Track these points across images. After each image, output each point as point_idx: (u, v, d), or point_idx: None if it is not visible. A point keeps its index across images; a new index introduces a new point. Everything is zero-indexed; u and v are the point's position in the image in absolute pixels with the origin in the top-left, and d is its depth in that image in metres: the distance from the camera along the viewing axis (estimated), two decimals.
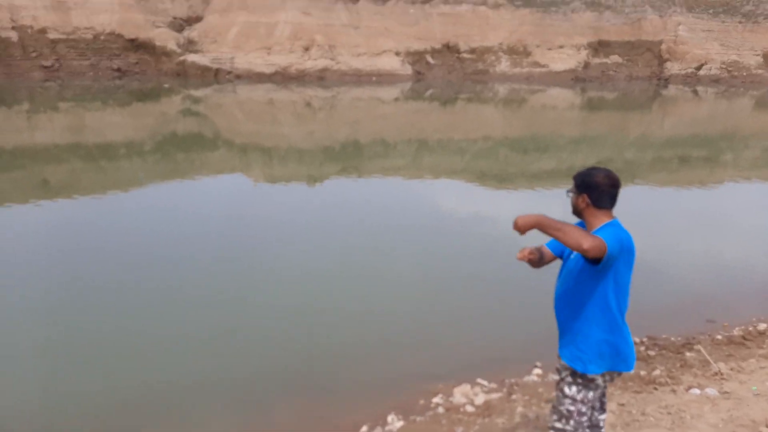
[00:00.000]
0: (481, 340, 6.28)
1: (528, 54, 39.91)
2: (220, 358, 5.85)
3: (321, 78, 34.98)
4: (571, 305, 3.09)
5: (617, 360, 3.02)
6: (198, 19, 36.91)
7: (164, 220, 10.47)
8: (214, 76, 33.76)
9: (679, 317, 6.93)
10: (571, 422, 3.07)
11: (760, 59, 42.54)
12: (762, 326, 6.67)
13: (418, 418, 4.82)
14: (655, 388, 4.99)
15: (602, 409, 3.32)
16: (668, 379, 5.16)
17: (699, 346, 5.94)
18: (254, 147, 19.31)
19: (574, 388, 3.07)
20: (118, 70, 32.91)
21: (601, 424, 3.31)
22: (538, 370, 5.59)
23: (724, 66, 41.50)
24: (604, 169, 3.03)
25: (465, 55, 39.08)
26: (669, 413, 4.36)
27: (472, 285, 7.84)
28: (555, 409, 3.16)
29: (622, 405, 4.59)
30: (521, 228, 2.90)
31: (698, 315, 7.04)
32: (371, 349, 6.05)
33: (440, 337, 6.35)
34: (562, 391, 3.13)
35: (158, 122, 23.02)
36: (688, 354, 5.89)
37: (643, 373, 5.38)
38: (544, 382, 5.36)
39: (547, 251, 3.29)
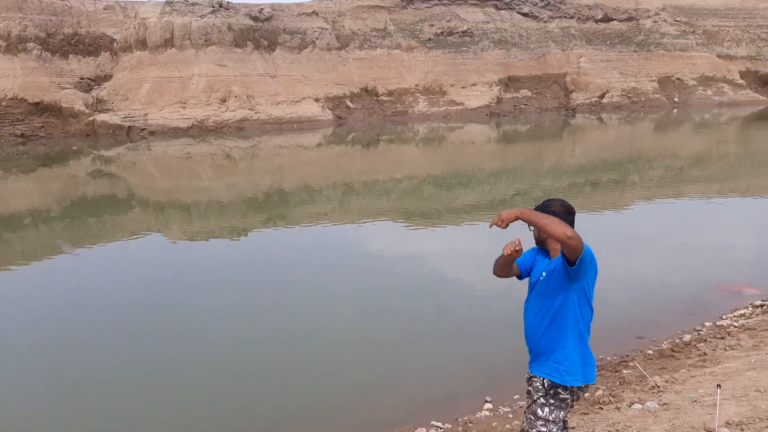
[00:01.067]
0: (429, 381, 6.31)
1: (444, 93, 41.47)
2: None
3: (240, 128, 34.77)
4: (545, 323, 3.21)
5: (590, 369, 3.19)
6: (107, 77, 36.03)
7: (72, 290, 9.87)
8: (126, 134, 32.84)
9: (611, 337, 7.24)
10: None
11: (656, 84, 46.17)
12: (687, 337, 7.09)
13: None
14: (601, 408, 5.17)
15: (565, 429, 3.42)
16: (611, 398, 5.37)
17: (634, 363, 6.23)
18: (172, 204, 18.74)
19: (546, 409, 3.19)
20: (22, 135, 31.28)
21: None
22: (488, 405, 5.67)
23: (624, 93, 44.71)
24: (558, 200, 3.30)
25: (383, 98, 40.12)
26: (617, 430, 4.52)
27: (411, 324, 7.89)
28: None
29: (573, 428, 4.71)
30: (504, 220, 3.01)
31: (628, 333, 7.40)
32: (319, 406, 5.95)
33: (388, 383, 6.34)
34: (534, 413, 3.23)
35: (66, 186, 21.90)
36: (625, 371, 6.16)
37: (587, 395, 5.57)
38: (496, 416, 5.44)
39: (515, 267, 3.44)
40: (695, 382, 5.51)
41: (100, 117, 32.88)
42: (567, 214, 3.21)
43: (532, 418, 3.23)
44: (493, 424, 5.20)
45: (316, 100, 37.97)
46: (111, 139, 32.03)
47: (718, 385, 4.44)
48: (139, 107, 33.77)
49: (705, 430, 4.29)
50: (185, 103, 34.40)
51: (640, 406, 5.01)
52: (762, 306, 8.10)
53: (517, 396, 5.87)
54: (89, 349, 7.42)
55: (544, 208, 3.24)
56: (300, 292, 9.29)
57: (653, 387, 5.46)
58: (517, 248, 3.24)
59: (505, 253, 3.26)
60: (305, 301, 8.88)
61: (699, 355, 6.35)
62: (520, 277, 3.48)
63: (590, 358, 3.22)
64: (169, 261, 11.84)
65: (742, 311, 7.96)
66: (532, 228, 3.29)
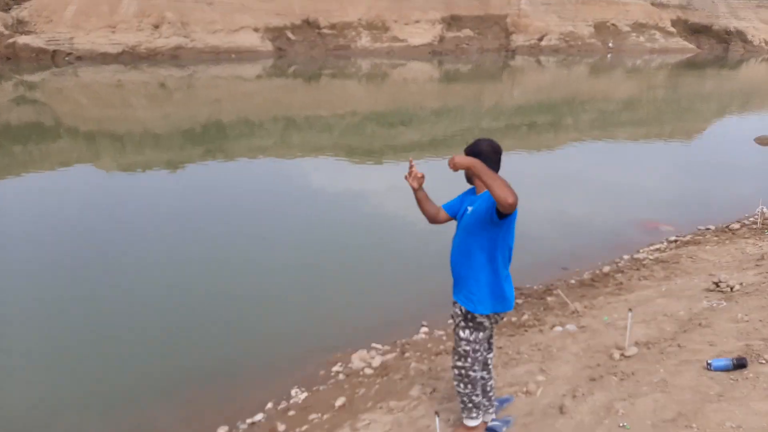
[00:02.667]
0: (370, 308, 6.65)
1: (387, 29, 40.78)
2: (122, 353, 5.68)
3: (175, 57, 33.22)
4: (465, 255, 3.48)
5: (500, 302, 3.49)
6: None
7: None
8: (51, 58, 30.79)
9: (539, 268, 7.78)
10: (468, 360, 3.57)
11: (592, 29, 47.06)
12: (606, 268, 7.71)
13: (321, 387, 5.09)
14: (525, 330, 5.66)
15: (490, 349, 3.83)
16: (535, 322, 5.87)
17: (558, 291, 6.76)
18: (103, 134, 17.93)
19: (467, 331, 3.54)
20: None
21: (489, 361, 3.84)
22: (425, 329, 6.08)
23: (562, 36, 45.39)
24: (487, 139, 3.51)
25: (326, 31, 39.07)
26: (539, 349, 5.01)
27: (353, 257, 8.19)
28: (454, 351, 3.65)
29: (500, 348, 5.18)
30: (456, 165, 3.21)
31: (554, 265, 7.96)
32: (268, 332, 6.19)
33: (332, 310, 6.63)
34: (457, 334, 3.60)
35: None
36: (549, 299, 6.69)
37: (514, 318, 6.06)
38: (432, 338, 5.85)
39: (444, 213, 3.65)
40: (611, 308, 6.08)
41: (22, 39, 30.57)
42: (494, 153, 3.44)
43: (457, 338, 3.61)
44: (429, 345, 5.61)
45: (256, 30, 36.57)
46: (34, 63, 29.98)
47: (630, 310, 4.95)
48: (65, 30, 31.56)
49: (616, 348, 4.81)
50: (114, 28, 32.40)
51: (561, 328, 5.52)
52: (675, 241, 8.84)
53: (451, 321, 6.31)
54: (19, 284, 7.31)
55: (474, 146, 3.46)
56: (240, 225, 9.35)
57: (573, 312, 5.99)
58: (414, 175, 3.49)
59: (413, 186, 3.53)
60: (246, 233, 8.97)
61: (616, 284, 6.96)
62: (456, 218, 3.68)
63: (503, 290, 3.47)
64: (102, 192, 11.53)
65: (658, 246, 8.67)
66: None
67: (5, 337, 6.02)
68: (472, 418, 3.75)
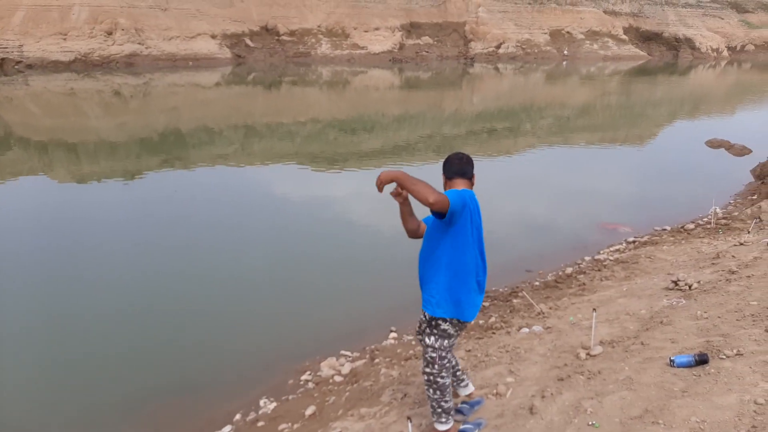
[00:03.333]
0: (338, 315, 6.60)
1: (347, 36, 40.83)
2: (81, 370, 5.47)
3: (130, 64, 32.51)
4: (426, 259, 3.56)
5: (458, 309, 3.52)
6: None
7: None
8: None
9: (504, 271, 7.87)
10: (436, 366, 3.61)
11: (548, 37, 48.16)
12: (569, 270, 7.85)
13: (290, 397, 5.01)
14: (493, 333, 5.71)
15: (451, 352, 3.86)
16: (502, 324, 5.93)
17: (523, 293, 6.85)
18: (56, 143, 17.38)
19: (432, 338, 3.59)
20: None
21: (454, 362, 3.92)
22: (393, 334, 6.07)
23: (519, 44, 46.31)
24: (458, 152, 3.63)
25: (285, 38, 38.85)
26: (507, 351, 5.05)
27: (320, 265, 8.12)
28: (423, 358, 3.70)
29: (469, 351, 5.20)
30: (382, 181, 3.14)
31: (519, 267, 8.07)
32: (234, 342, 6.07)
33: (299, 318, 6.56)
34: (423, 341, 3.66)
35: None
36: (515, 301, 6.77)
37: (481, 321, 6.11)
38: (401, 343, 5.84)
39: (424, 226, 3.69)
40: (575, 308, 6.19)
41: None
42: (457, 160, 3.55)
43: (423, 345, 3.67)
44: (398, 351, 5.60)
45: (213, 36, 36.11)
46: None
47: (594, 310, 5.04)
48: (13, 37, 30.51)
49: (582, 347, 4.88)
50: (66, 35, 31.50)
51: (528, 329, 5.58)
52: (634, 242, 9.08)
53: (418, 328, 6.32)
54: None
55: (447, 161, 3.58)
56: (203, 234, 9.18)
57: (539, 313, 6.07)
58: (398, 192, 3.38)
59: (399, 201, 3.48)
60: (210, 243, 8.80)
61: (579, 285, 7.09)
62: None
63: (466, 296, 3.50)
64: (56, 203, 11.15)
65: (617, 247, 8.89)
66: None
67: None
68: (442, 422, 3.77)
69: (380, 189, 3.16)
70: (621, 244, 9.05)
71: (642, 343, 4.71)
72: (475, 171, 3.59)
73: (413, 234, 3.68)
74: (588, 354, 4.68)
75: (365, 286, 7.39)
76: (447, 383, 3.67)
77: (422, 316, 3.63)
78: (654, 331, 4.96)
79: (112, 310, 6.70)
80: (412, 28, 43.63)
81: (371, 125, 21.58)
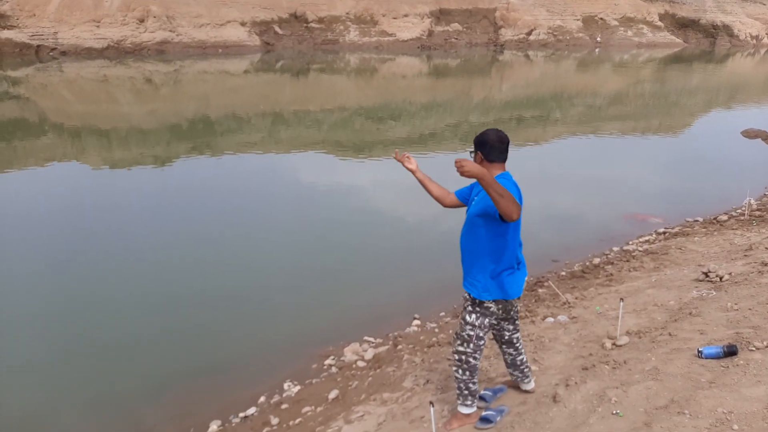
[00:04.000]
0: (362, 301, 6.64)
1: (375, 23, 40.64)
2: (111, 351, 5.63)
3: (161, 51, 32.90)
4: (471, 243, 3.55)
5: (503, 291, 3.54)
6: None
7: None
8: (35, 53, 30.36)
9: (529, 261, 7.65)
10: (471, 345, 3.59)
11: (580, 24, 47.19)
12: (596, 260, 7.75)
13: (314, 380, 5.08)
14: None
15: (515, 330, 3.84)
16: (527, 313, 5.89)
17: (549, 283, 6.79)
18: (89, 130, 17.74)
19: (473, 316, 3.57)
20: None
21: (515, 341, 3.86)
22: (417, 321, 6.08)
23: (550, 31, 45.48)
24: (494, 129, 3.50)
25: (314, 25, 38.85)
26: (531, 340, 5.02)
27: (344, 252, 8.17)
28: (458, 335, 3.66)
29: (492, 339, 5.18)
30: (465, 173, 3.01)
31: (545, 257, 7.98)
32: (260, 327, 6.17)
33: (323, 305, 6.62)
34: (464, 318, 3.62)
35: None
36: (540, 290, 6.72)
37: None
38: (424, 330, 5.86)
39: (453, 197, 3.76)
40: (602, 298, 6.11)
41: (5, 34, 30.13)
42: (499, 143, 3.46)
43: (462, 322, 3.63)
44: (421, 338, 5.61)
45: (242, 24, 36.30)
46: (18, 58, 29.55)
47: (621, 300, 4.97)
48: (48, 25, 31.13)
49: (608, 337, 4.83)
50: (99, 22, 32.00)
51: (553, 319, 5.54)
52: (664, 233, 8.91)
53: (443, 313, 6.33)
54: (4, 285, 7.22)
55: (480, 136, 3.48)
56: (230, 221, 9.30)
57: (564, 303, 6.01)
58: (404, 157, 3.65)
59: (410, 168, 3.70)
60: (236, 230, 8.91)
61: (606, 276, 7.00)
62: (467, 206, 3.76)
63: (509, 277, 3.52)
64: (88, 189, 11.41)
65: (647, 237, 8.74)
66: (471, 154, 3.54)
67: None
68: (467, 405, 3.77)
69: (462, 174, 3.03)
70: (651, 235, 8.89)
71: (670, 334, 4.64)
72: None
73: (441, 200, 3.77)
74: (614, 344, 4.63)
75: (389, 274, 7.41)
76: (477, 365, 3.68)
77: (465, 294, 3.64)
78: (682, 322, 4.88)
79: (142, 292, 6.86)
80: (441, 15, 43.19)
81: (398, 113, 21.51)
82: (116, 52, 31.78)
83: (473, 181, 3.44)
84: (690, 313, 5.04)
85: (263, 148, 15.42)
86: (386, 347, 5.49)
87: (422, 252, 8.09)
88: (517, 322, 3.87)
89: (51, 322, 6.17)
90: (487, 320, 3.59)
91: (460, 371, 3.66)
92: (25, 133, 16.93)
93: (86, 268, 7.48)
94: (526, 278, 3.71)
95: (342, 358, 5.37)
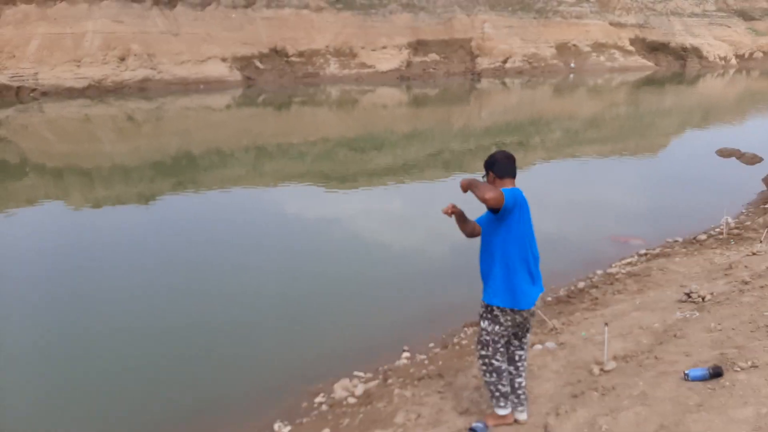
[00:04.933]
0: (351, 334, 6.63)
1: (354, 55, 41.21)
2: (90, 394, 5.53)
3: (143, 89, 33.00)
4: (484, 253, 3.94)
5: (514, 298, 3.78)
6: None
7: None
8: (15, 95, 30.30)
9: None
10: (490, 349, 3.90)
11: (554, 50, 48.24)
12: (581, 284, 7.83)
13: (304, 420, 5.02)
14: None
15: (521, 347, 4.06)
16: None
17: (535, 309, 6.83)
18: (71, 169, 17.67)
19: (486, 322, 3.90)
20: None
21: (517, 358, 4.04)
22: (406, 354, 6.07)
23: (525, 58, 46.41)
24: (500, 150, 3.97)
25: (294, 59, 39.29)
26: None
27: (330, 285, 8.16)
28: (478, 340, 3.98)
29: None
30: (463, 187, 3.69)
31: None
32: (246, 363, 6.11)
33: (311, 339, 6.59)
34: (480, 324, 3.96)
35: None
36: None
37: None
38: (414, 363, 5.85)
39: (478, 226, 4.05)
40: (588, 323, 6.16)
41: None
42: (506, 159, 3.89)
43: (479, 328, 3.96)
44: (411, 371, 5.60)
45: (223, 60, 36.61)
46: None
47: (606, 324, 5.02)
48: (29, 66, 31.14)
49: (596, 363, 4.87)
50: (80, 62, 32.08)
51: (541, 346, 5.57)
52: (646, 255, 9.04)
53: (432, 344, 6.33)
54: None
55: (490, 157, 3.92)
56: (216, 256, 9.27)
57: (552, 329, 6.06)
58: (452, 210, 3.96)
59: (447, 213, 3.99)
60: (222, 264, 8.88)
61: (591, 300, 7.07)
62: None
63: (520, 286, 3.77)
64: (73, 229, 11.32)
65: (629, 260, 8.85)
66: (484, 177, 3.94)
67: None
68: (500, 407, 3.97)
69: (464, 191, 3.70)
70: (633, 256, 9.01)
71: (656, 357, 4.69)
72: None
73: (470, 235, 4.11)
74: (602, 369, 4.67)
75: (377, 305, 7.42)
76: (503, 367, 3.89)
77: (481, 301, 3.94)
78: (668, 345, 4.94)
79: (126, 329, 6.77)
80: (418, 46, 43.95)
81: (380, 143, 21.72)
82: (97, 91, 31.82)
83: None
84: (675, 335, 5.10)
85: (248, 181, 15.45)
86: (376, 382, 5.47)
87: (409, 282, 8.11)
88: (524, 340, 4.06)
89: (29, 363, 6.06)
90: (497, 328, 3.85)
91: (487, 374, 3.93)
92: (5, 174, 16.79)
93: (71, 308, 7.38)
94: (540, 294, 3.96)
95: (332, 395, 5.34)
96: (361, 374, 5.68)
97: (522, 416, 4.05)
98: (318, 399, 5.33)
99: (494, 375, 3.90)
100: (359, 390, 5.30)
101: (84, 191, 14.99)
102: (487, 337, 3.87)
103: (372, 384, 5.42)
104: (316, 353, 6.22)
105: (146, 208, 13.03)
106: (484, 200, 3.52)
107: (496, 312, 3.81)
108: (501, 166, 3.85)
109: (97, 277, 8.43)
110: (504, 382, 3.91)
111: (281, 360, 6.12)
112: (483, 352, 3.91)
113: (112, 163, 18.49)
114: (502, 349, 3.89)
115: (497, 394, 3.94)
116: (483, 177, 3.93)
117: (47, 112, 27.91)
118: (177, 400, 5.44)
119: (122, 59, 33.09)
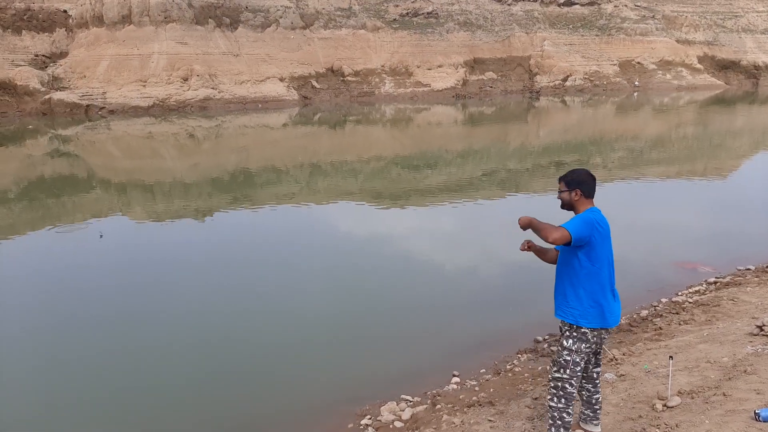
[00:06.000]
0: (399, 357, 6.48)
1: (410, 74, 41.48)
2: (137, 408, 5.60)
3: (203, 108, 34.18)
4: (561, 274, 3.87)
5: (602, 318, 3.69)
6: (63, 55, 34.98)
7: (36, 274, 9.63)
8: (84, 113, 31.97)
9: None
10: (568, 371, 3.74)
11: (617, 68, 47.11)
12: (644, 313, 7.43)
13: None
14: None
15: (597, 364, 3.99)
16: None
17: None
18: (134, 184, 18.41)
19: (570, 341, 3.76)
20: None
21: (596, 376, 3.99)
22: (456, 378, 5.87)
23: (586, 76, 45.48)
24: (584, 169, 3.92)
25: (350, 78, 39.89)
26: (577, 400, 4.76)
27: (380, 305, 8.06)
28: (555, 362, 3.82)
29: (536, 398, 4.95)
30: (522, 226, 3.73)
31: None
32: (294, 381, 6.06)
33: (359, 360, 6.49)
34: (561, 344, 3.79)
35: (23, 166, 21.20)
36: None
37: (549, 367, 5.82)
38: (464, 388, 5.64)
39: (556, 251, 4.02)
40: (651, 354, 5.81)
41: (57, 95, 31.90)
42: (593, 180, 3.86)
43: (560, 348, 3.79)
44: (461, 397, 5.40)
45: (281, 79, 37.54)
46: (68, 118, 31.15)
47: (671, 357, 4.70)
48: (98, 85, 32.86)
49: (658, 398, 4.55)
50: (145, 82, 33.60)
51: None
52: (715, 283, 8.51)
53: (483, 370, 6.11)
54: (60, 337, 7.35)
55: (577, 175, 3.85)
56: (269, 272, 9.34)
57: (611, 359, 5.73)
58: (528, 247, 3.93)
59: (524, 250, 3.97)
60: (274, 281, 8.93)
61: (655, 330, 6.67)
62: None
63: (607, 305, 3.71)
64: (134, 242, 11.69)
65: (697, 288, 8.35)
66: (561, 193, 3.90)
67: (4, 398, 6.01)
68: None
69: (524, 229, 3.74)
70: (701, 285, 8.49)
71: (724, 394, 4.35)
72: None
73: (553, 262, 4.07)
74: (665, 405, 4.36)
75: (427, 327, 7.24)
76: (574, 393, 3.76)
77: (560, 324, 3.86)
78: (737, 381, 4.58)
79: (175, 346, 6.86)
80: (475, 64, 43.81)
81: (434, 161, 21.60)
82: (161, 110, 33.16)
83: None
84: (745, 371, 4.73)
85: (301, 198, 15.62)
86: (424, 406, 5.29)
87: (460, 304, 7.91)
88: (599, 356, 3.98)
89: (73, 377, 6.20)
90: (584, 345, 3.73)
91: (555, 399, 3.77)
92: (73, 188, 17.62)
93: (120, 323, 7.54)
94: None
95: (379, 418, 5.20)
96: (409, 398, 5.52)
97: (596, 429, 4.04)
98: (364, 421, 5.20)
99: (563, 401, 3.76)
100: (406, 414, 5.15)
101: (145, 205, 15.53)
102: (569, 357, 3.73)
103: (420, 408, 5.26)
104: (364, 374, 6.11)
105: (202, 224, 13.33)
106: (549, 242, 3.56)
107: (584, 330, 3.72)
108: (588, 186, 3.82)
109: (153, 292, 8.63)
110: (570, 411, 3.78)
111: (329, 380, 6.03)
112: (558, 375, 3.76)
113: (172, 179, 19.12)
114: (579, 374, 3.76)
115: (559, 422, 3.78)
116: (559, 192, 3.88)
117: (114, 129, 29.26)
118: (225, 418, 5.43)
119: (185, 79, 34.43)
